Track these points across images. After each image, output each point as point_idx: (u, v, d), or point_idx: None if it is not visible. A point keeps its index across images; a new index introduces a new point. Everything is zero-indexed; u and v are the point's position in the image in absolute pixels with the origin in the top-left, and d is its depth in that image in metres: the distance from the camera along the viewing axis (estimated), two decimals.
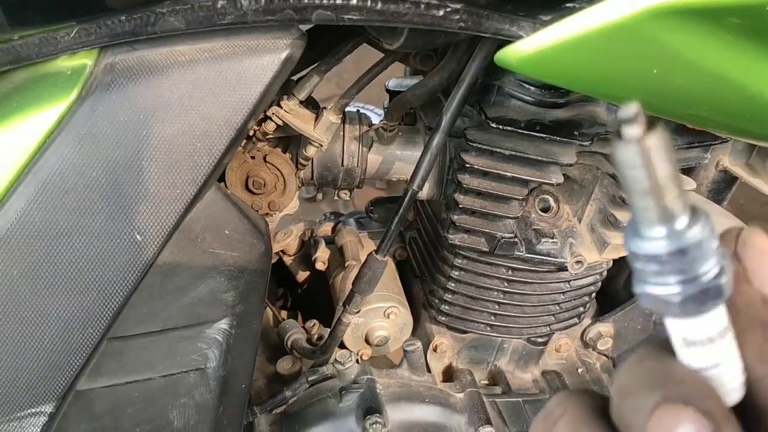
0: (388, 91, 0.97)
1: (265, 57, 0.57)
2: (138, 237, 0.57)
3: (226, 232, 0.62)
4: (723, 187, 0.98)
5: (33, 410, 0.60)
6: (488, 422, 0.90)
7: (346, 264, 1.00)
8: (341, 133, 0.85)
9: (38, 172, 0.54)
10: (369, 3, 0.54)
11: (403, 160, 0.89)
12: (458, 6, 0.55)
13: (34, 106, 0.54)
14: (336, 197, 0.94)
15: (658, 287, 0.23)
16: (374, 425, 0.85)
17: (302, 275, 1.15)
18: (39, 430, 0.61)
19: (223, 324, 0.65)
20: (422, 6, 0.54)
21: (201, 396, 0.68)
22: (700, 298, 0.23)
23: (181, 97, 0.55)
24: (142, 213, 0.57)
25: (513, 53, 0.55)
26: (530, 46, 0.54)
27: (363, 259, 1.01)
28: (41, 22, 0.52)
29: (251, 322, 0.68)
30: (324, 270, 1.08)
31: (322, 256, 1.06)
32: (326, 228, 1.19)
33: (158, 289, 0.61)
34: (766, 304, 0.26)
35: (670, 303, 0.23)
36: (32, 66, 0.55)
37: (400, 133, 0.88)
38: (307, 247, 1.14)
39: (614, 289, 1.15)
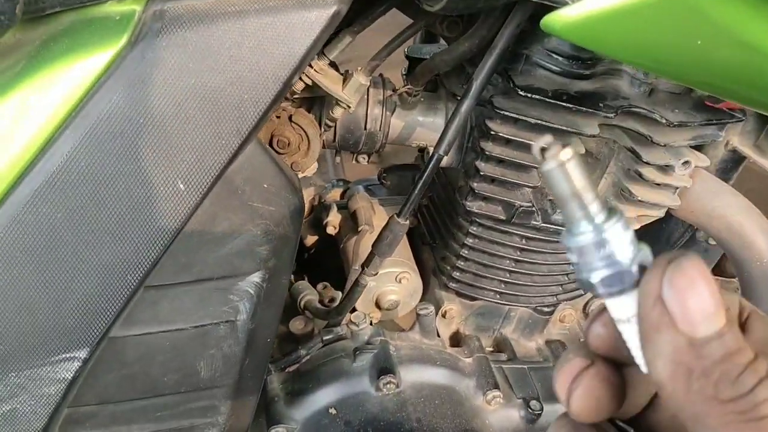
0: (407, 57, 0.97)
1: (314, 11, 0.57)
2: (181, 186, 0.58)
3: (265, 185, 0.63)
4: (731, 167, 1.00)
5: (67, 355, 0.61)
6: (496, 386, 0.93)
7: (360, 229, 1.01)
8: (365, 97, 0.85)
9: (86, 116, 0.54)
10: None
11: (424, 126, 0.89)
12: None
13: (83, 49, 0.54)
14: (354, 161, 0.95)
15: (589, 273, 0.29)
16: (388, 385, 0.87)
17: (310, 239, 1.16)
18: (72, 375, 0.62)
19: (256, 277, 0.66)
20: None
21: (229, 348, 0.69)
22: (620, 279, 0.28)
23: (230, 47, 0.56)
24: (187, 162, 0.57)
25: (559, 18, 0.56)
26: (578, 12, 0.55)
27: (375, 225, 1.02)
28: None
29: (281, 276, 0.69)
30: (334, 235, 1.09)
31: (333, 220, 1.07)
32: (335, 194, 1.20)
33: (196, 239, 0.61)
34: (693, 348, 0.26)
35: (599, 284, 0.29)
36: (80, 9, 0.55)
37: (422, 99, 0.89)
38: (316, 212, 1.14)
39: None
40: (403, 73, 0.99)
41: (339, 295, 0.99)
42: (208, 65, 0.55)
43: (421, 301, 1.03)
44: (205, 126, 0.57)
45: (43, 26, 0.56)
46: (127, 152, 0.55)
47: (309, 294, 0.97)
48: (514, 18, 0.71)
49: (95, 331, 0.61)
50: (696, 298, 0.26)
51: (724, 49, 0.55)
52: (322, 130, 0.83)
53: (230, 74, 0.56)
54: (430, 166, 0.77)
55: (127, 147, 0.55)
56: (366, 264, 0.84)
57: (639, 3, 0.52)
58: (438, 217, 1.00)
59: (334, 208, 1.08)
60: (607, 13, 0.53)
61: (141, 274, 0.60)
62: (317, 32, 0.57)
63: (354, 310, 0.99)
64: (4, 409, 0.61)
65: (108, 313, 0.60)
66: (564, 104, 0.77)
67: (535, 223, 0.87)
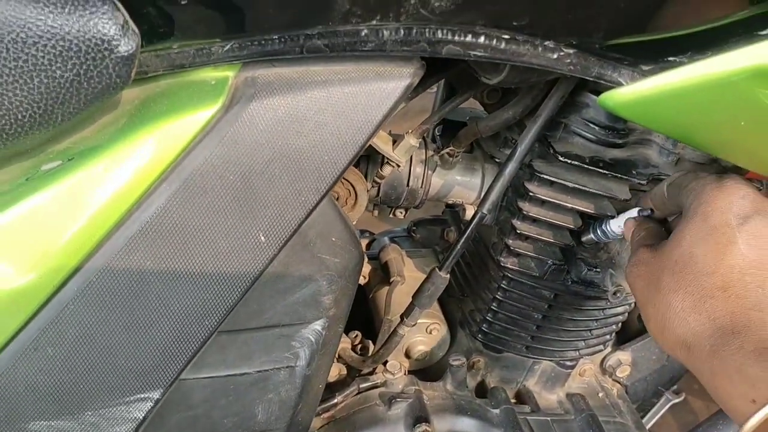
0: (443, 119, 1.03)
1: (391, 82, 0.62)
2: (262, 238, 0.62)
3: (333, 239, 0.67)
4: None
5: (142, 395, 0.64)
6: None
7: (391, 280, 1.05)
8: (409, 156, 0.90)
9: (181, 172, 0.58)
10: (494, 42, 0.60)
11: (461, 185, 0.95)
12: (571, 51, 0.61)
13: (182, 110, 0.58)
14: (391, 215, 0.99)
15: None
16: None
17: None
18: (143, 415, 0.65)
19: (318, 325, 0.69)
20: (540, 49, 0.61)
21: (286, 393, 0.72)
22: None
23: (315, 114, 0.60)
24: (269, 216, 0.61)
25: (615, 97, 0.62)
26: (633, 92, 0.61)
27: (405, 276, 1.06)
28: (203, 35, 0.57)
29: (338, 325, 0.73)
30: (363, 284, 1.13)
31: (363, 270, 1.11)
32: None
33: (269, 288, 0.65)
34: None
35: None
36: (178, 73, 0.60)
37: (460, 160, 0.94)
38: None
39: (628, 319, 1.22)
40: (438, 133, 1.05)
41: (370, 343, 1.02)
42: (295, 129, 0.60)
43: (447, 352, 1.07)
44: (288, 184, 0.61)
45: (139, 87, 0.61)
46: (216, 206, 0.60)
47: (343, 342, 1.00)
48: (558, 90, 0.77)
49: (170, 372, 0.64)
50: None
51: (764, 128, 0.61)
52: (370, 186, 0.88)
53: (314, 138, 0.61)
54: (473, 223, 0.82)
55: (216, 201, 0.59)
56: (405, 314, 0.88)
57: (692, 86, 0.58)
58: (468, 271, 1.04)
59: (365, 259, 1.12)
60: (662, 94, 0.59)
61: (217, 320, 0.63)
62: (393, 101, 0.63)
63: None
64: None
65: (183, 355, 0.63)
66: (600, 170, 0.82)
67: (566, 280, 0.92)
